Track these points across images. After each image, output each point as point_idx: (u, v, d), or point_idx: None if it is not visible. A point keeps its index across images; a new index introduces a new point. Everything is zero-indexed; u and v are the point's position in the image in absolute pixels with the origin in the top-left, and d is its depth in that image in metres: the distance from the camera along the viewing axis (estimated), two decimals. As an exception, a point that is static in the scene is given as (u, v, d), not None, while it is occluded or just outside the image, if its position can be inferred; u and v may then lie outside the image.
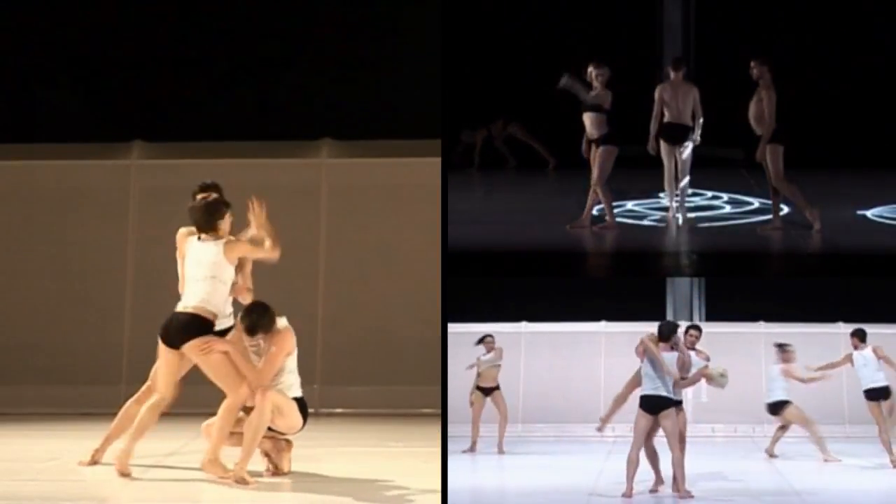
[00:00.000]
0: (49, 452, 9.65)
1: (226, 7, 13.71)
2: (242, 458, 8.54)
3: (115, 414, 9.09)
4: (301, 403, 8.92)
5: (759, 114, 10.88)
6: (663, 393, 8.96)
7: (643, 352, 9.06)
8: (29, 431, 11.37)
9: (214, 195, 9.10)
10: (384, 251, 13.04)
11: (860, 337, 10.87)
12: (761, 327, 12.71)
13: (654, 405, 8.94)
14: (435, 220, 10.84)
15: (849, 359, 10.90)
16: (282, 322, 8.85)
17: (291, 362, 8.89)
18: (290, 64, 13.68)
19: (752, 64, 10.91)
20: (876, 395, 10.75)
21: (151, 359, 9.04)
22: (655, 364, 8.99)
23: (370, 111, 13.12)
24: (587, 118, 11.05)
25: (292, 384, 8.90)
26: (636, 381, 9.19)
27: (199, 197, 9.12)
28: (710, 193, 13.10)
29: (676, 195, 11.77)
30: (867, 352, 10.82)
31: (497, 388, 11.33)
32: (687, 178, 11.77)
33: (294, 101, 13.49)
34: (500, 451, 11.18)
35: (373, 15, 13.52)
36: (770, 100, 10.82)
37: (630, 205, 12.35)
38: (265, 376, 8.65)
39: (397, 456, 10.05)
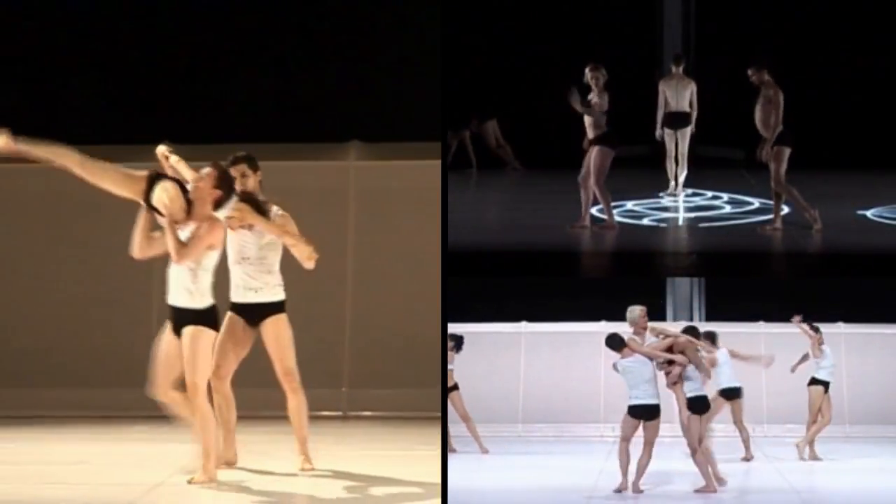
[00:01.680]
0: (76, 455, 9.53)
1: (252, 7, 13.63)
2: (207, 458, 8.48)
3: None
4: (210, 313, 8.53)
5: (765, 117, 10.86)
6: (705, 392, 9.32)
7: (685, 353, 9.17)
8: (56, 435, 11.33)
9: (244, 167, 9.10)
10: (413, 254, 12.88)
11: (712, 339, 10.71)
12: (761, 327, 12.71)
13: (703, 406, 9.21)
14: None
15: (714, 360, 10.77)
16: (223, 212, 8.60)
17: (210, 261, 8.50)
18: (319, 65, 13.54)
19: (750, 72, 10.90)
20: (736, 394, 10.71)
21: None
22: (699, 366, 9.23)
23: (399, 113, 13.03)
24: (586, 119, 11.05)
25: (202, 291, 8.51)
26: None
27: (232, 172, 9.03)
28: (710, 193, 13.12)
29: (674, 194, 11.88)
30: (724, 352, 10.75)
31: (454, 387, 11.21)
32: (685, 161, 12.95)
33: (322, 103, 13.34)
34: (483, 451, 11.13)
35: (393, 15, 13.42)
36: (778, 100, 10.79)
37: (630, 205, 12.36)
38: (186, 252, 8.35)
39: (419, 459, 9.98)
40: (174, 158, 9.25)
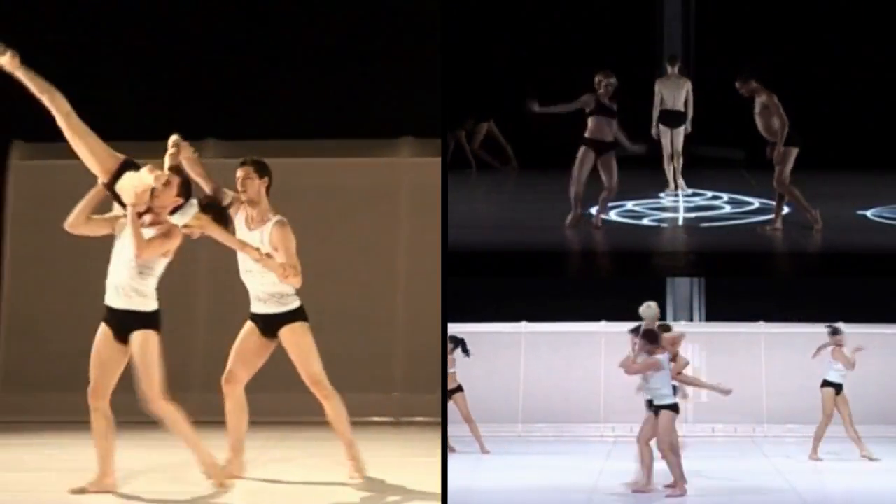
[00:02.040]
0: (117, 462, 8.84)
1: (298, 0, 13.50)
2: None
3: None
4: (156, 316, 8.44)
5: (766, 123, 10.85)
6: None
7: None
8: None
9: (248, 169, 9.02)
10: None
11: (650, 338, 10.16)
12: (761, 327, 12.71)
13: None
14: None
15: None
16: (181, 219, 8.49)
17: (160, 266, 8.45)
18: (368, 60, 13.35)
19: (737, 85, 10.87)
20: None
21: (225, 365, 8.97)
22: None
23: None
24: (598, 121, 11.00)
25: (149, 293, 8.44)
26: None
27: (238, 173, 9.02)
28: (710, 193, 13.13)
29: (674, 192, 12.33)
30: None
31: (458, 389, 11.20)
32: (680, 157, 13.27)
33: (371, 98, 13.12)
34: (484, 451, 11.13)
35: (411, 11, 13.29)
36: (774, 103, 10.78)
37: (630, 205, 12.37)
38: (149, 249, 8.29)
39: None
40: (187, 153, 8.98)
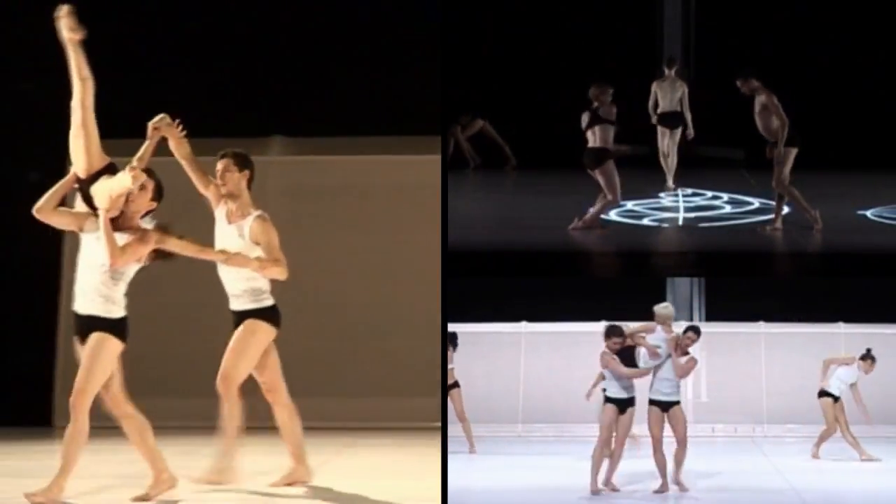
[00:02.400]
0: (174, 471, 8.62)
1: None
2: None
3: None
4: (122, 324, 8.17)
5: (766, 123, 10.86)
6: None
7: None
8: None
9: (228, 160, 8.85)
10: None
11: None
12: (761, 327, 12.71)
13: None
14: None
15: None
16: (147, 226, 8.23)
17: (132, 271, 8.17)
18: (417, 56, 13.25)
19: (738, 84, 10.89)
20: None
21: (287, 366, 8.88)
22: None
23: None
24: (604, 130, 11.00)
25: (118, 300, 8.16)
26: None
27: (217, 166, 8.85)
28: (710, 193, 13.12)
29: (674, 192, 12.33)
30: None
31: (454, 385, 11.17)
32: (675, 158, 13.25)
33: (421, 94, 13.02)
34: (472, 451, 11.09)
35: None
36: (773, 103, 10.79)
37: (630, 205, 12.36)
38: (124, 256, 8.00)
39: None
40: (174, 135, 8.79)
